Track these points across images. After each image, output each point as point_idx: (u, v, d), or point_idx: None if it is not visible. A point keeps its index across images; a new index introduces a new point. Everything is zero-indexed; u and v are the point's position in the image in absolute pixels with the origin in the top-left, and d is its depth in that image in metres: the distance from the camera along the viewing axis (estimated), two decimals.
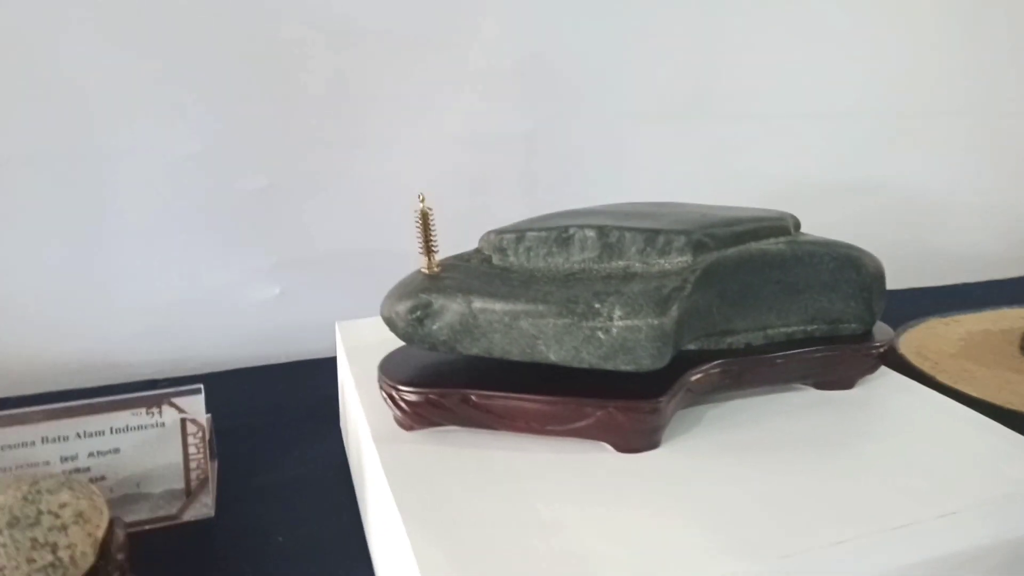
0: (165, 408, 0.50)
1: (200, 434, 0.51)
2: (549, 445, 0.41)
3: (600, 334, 0.38)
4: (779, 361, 0.46)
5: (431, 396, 0.40)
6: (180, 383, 0.74)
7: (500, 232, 0.44)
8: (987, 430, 0.44)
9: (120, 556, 0.39)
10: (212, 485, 0.51)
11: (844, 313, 0.48)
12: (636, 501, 0.36)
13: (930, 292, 1.06)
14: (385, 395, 0.42)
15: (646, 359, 0.38)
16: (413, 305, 0.39)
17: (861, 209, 1.08)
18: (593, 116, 0.90)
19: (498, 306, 0.39)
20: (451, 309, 0.39)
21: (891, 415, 0.45)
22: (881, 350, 0.48)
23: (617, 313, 0.38)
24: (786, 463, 0.39)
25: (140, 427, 0.50)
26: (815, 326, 0.48)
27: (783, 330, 0.47)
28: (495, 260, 0.44)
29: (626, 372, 0.39)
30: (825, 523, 0.34)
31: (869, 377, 0.49)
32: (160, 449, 0.50)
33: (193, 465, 0.50)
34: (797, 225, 0.48)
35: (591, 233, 0.42)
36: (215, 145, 0.75)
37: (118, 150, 0.72)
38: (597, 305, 0.38)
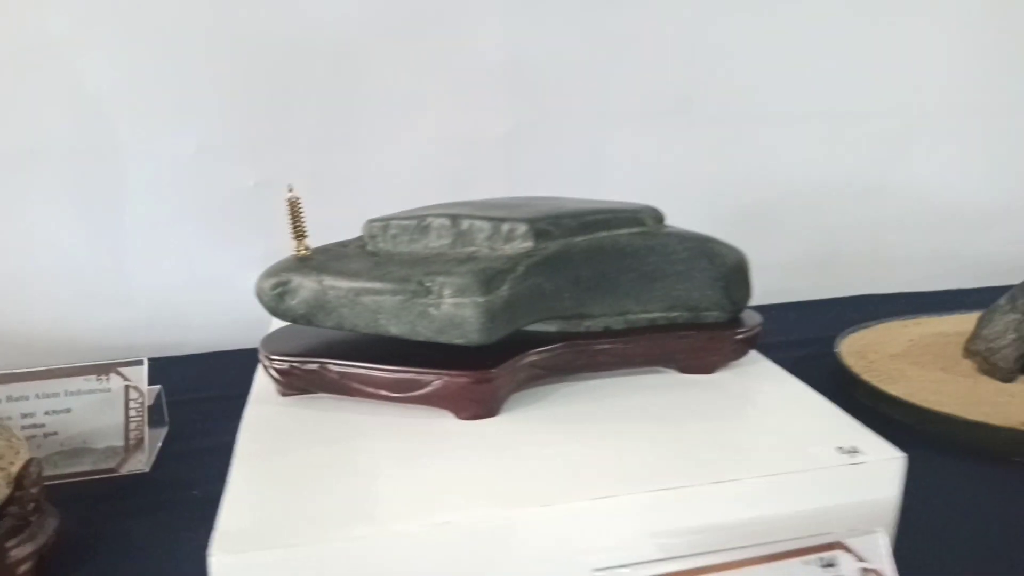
0: (112, 376, 0.58)
1: (140, 400, 0.57)
2: (401, 411, 0.45)
3: (432, 310, 0.42)
4: (631, 344, 0.49)
5: (294, 365, 0.45)
6: (179, 363, 0.83)
7: (371, 221, 0.49)
8: (822, 415, 0.45)
9: (34, 490, 0.45)
10: (147, 445, 0.57)
11: (703, 301, 0.50)
12: (448, 457, 0.40)
13: (933, 296, 1.04)
14: (262, 365, 0.47)
15: (474, 334, 0.42)
16: (275, 282, 0.45)
17: (857, 211, 1.07)
18: (574, 117, 0.94)
19: (343, 284, 0.44)
20: (306, 286, 0.44)
21: (732, 396, 0.47)
22: (742, 336, 0.50)
23: (447, 291, 0.42)
24: (607, 432, 0.42)
25: (90, 391, 0.57)
26: (677, 313, 0.50)
27: (644, 316, 0.50)
28: (368, 246, 0.49)
29: (471, 347, 0.43)
30: (604, 482, 0.37)
31: (738, 363, 0.51)
32: (105, 411, 0.57)
33: (132, 427, 0.57)
34: (659, 218, 0.51)
35: (445, 222, 0.47)
36: (216, 143, 0.83)
37: (129, 147, 0.81)
38: (428, 284, 0.42)
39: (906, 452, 0.59)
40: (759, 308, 0.98)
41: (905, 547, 0.48)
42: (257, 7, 0.81)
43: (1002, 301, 0.67)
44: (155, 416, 0.62)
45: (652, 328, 0.50)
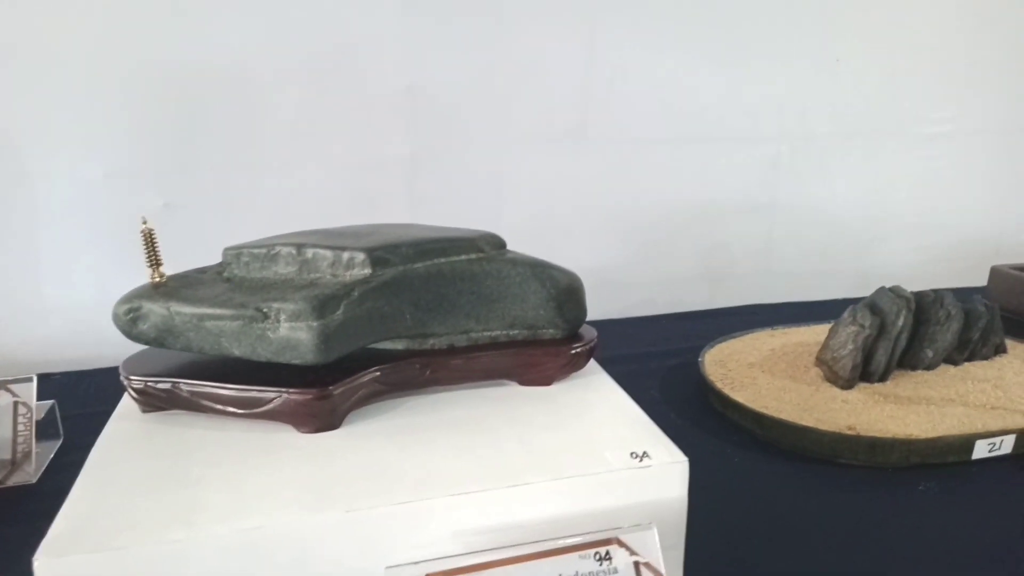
0: (1, 392, 0.60)
1: (28, 415, 0.60)
2: (249, 425, 0.48)
3: (269, 334, 0.46)
4: (473, 359, 0.52)
5: (149, 384, 0.48)
6: (96, 376, 0.84)
7: (227, 248, 0.52)
8: (630, 423, 0.49)
9: None
10: (34, 457, 0.60)
11: (539, 320, 0.54)
12: (278, 468, 0.43)
13: (818, 305, 1.09)
14: (123, 383, 0.50)
15: (310, 355, 0.45)
16: (127, 308, 0.48)
17: (748, 228, 1.12)
18: (474, 141, 0.98)
19: (188, 309, 0.46)
20: (155, 312, 0.47)
21: (558, 406, 0.51)
22: (576, 351, 0.54)
23: (283, 316, 0.45)
24: (433, 441, 0.46)
25: None
26: (516, 331, 0.54)
27: (486, 333, 0.54)
28: (225, 273, 0.52)
29: (313, 365, 0.46)
30: (408, 488, 0.41)
31: (577, 375, 0.55)
32: None
33: (20, 440, 0.59)
34: (498, 244, 0.55)
35: (292, 250, 0.50)
36: (124, 168, 0.85)
37: (41, 173, 0.83)
38: (265, 309, 0.46)
39: (745, 454, 0.64)
40: (655, 319, 1.03)
41: (724, 541, 0.53)
42: (163, 36, 0.84)
43: (846, 314, 0.72)
44: (49, 429, 0.65)
45: (493, 345, 0.53)
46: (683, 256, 1.10)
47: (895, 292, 0.72)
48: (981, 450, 0.60)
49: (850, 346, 0.69)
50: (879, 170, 1.14)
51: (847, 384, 0.68)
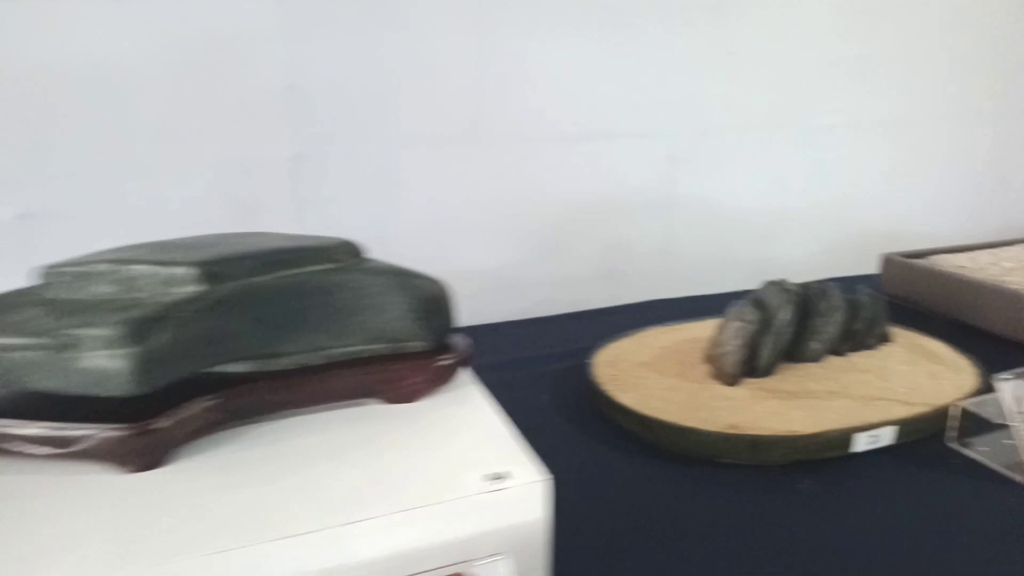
0: None
1: None
2: (69, 468, 0.42)
3: (81, 363, 0.40)
4: (330, 378, 0.48)
5: None
6: None
7: (49, 266, 0.46)
8: (492, 441, 0.45)
9: None
10: None
11: (401, 332, 0.50)
12: (83, 513, 0.38)
13: (719, 298, 1.09)
14: None
15: (127, 385, 0.40)
16: None
17: (647, 223, 1.10)
18: (363, 141, 0.93)
19: None
20: None
21: (420, 426, 0.47)
22: (445, 363, 0.50)
23: (95, 344, 0.40)
24: (274, 475, 0.41)
25: None
26: (378, 345, 0.50)
27: (344, 349, 0.49)
28: (46, 293, 0.46)
29: (137, 396, 0.41)
30: (227, 531, 0.36)
31: (449, 388, 0.52)
32: None
33: None
34: (354, 252, 0.50)
35: (112, 268, 0.44)
36: None
37: None
38: (73, 336, 0.40)
39: (631, 459, 0.61)
40: (554, 319, 1.01)
41: (598, 554, 0.50)
42: (21, 37, 0.76)
43: (731, 309, 0.71)
44: None
45: (352, 361, 0.49)
46: (582, 254, 1.08)
47: (780, 285, 0.71)
48: (861, 443, 0.60)
49: (735, 342, 0.67)
50: (775, 162, 1.14)
51: (733, 381, 0.67)
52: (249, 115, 0.87)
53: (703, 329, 0.82)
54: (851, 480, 0.58)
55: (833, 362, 0.72)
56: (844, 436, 0.59)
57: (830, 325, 0.71)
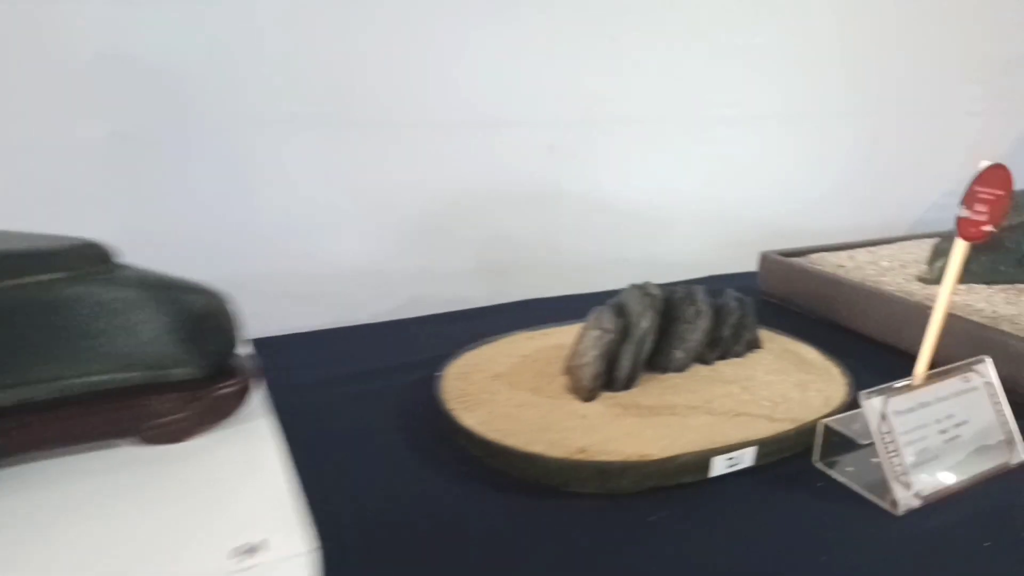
0: None
1: None
2: None
3: None
4: (65, 417, 0.38)
5: None
6: None
7: None
8: (265, 500, 0.37)
9: None
10: None
11: (164, 357, 0.41)
12: None
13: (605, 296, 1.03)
14: None
15: None
16: None
17: (532, 217, 1.03)
18: (203, 121, 0.81)
19: None
20: None
21: (180, 477, 0.38)
22: (222, 393, 0.41)
23: None
24: None
25: None
26: (131, 373, 0.40)
27: (85, 380, 0.40)
28: None
29: None
30: None
31: (230, 424, 0.43)
32: None
33: None
34: (101, 258, 0.41)
35: None
36: None
37: None
38: None
39: (470, 488, 0.54)
40: (425, 320, 0.92)
41: None
42: None
43: (592, 315, 0.64)
44: None
45: (96, 394, 0.40)
46: (460, 248, 1.00)
47: (643, 290, 0.65)
48: (719, 467, 0.54)
49: (592, 352, 0.61)
50: (665, 155, 1.09)
51: (589, 395, 0.61)
52: (61, 89, 0.74)
53: (570, 334, 0.75)
54: (708, 507, 0.53)
55: (699, 372, 0.66)
56: (701, 459, 0.53)
57: (695, 332, 0.65)
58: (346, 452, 0.58)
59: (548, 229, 1.05)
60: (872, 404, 0.52)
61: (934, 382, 0.56)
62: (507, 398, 0.61)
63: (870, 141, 1.23)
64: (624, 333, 0.62)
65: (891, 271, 0.91)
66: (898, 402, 0.54)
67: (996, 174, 0.52)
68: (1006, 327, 0.70)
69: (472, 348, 0.72)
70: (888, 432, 0.52)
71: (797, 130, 1.16)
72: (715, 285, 1.07)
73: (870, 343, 0.80)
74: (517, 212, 1.02)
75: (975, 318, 0.72)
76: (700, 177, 1.11)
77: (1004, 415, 0.58)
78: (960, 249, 0.54)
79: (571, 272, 1.07)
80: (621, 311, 0.63)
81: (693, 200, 1.11)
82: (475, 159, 0.97)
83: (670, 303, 0.66)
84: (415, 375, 0.72)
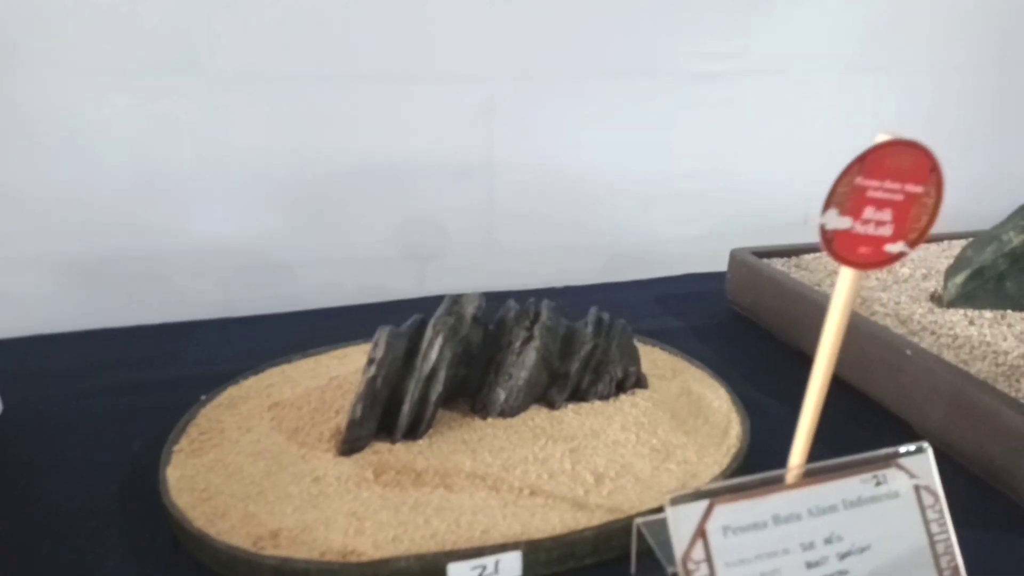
0: None
1: None
2: None
3: None
4: None
5: None
6: None
7: None
8: None
9: None
10: None
11: None
12: None
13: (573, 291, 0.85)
14: None
15: None
16: None
17: (466, 194, 0.86)
18: (31, 71, 0.69)
19: None
20: None
21: None
22: None
23: None
24: None
25: None
26: None
27: None
28: None
29: None
30: None
31: None
32: None
33: None
34: None
35: None
36: None
37: None
38: None
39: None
40: (338, 311, 0.78)
41: None
42: None
43: (376, 337, 0.48)
44: None
45: None
46: (376, 229, 0.85)
47: (460, 304, 0.47)
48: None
49: (360, 388, 0.45)
50: (633, 118, 0.87)
51: (347, 448, 0.45)
52: None
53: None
54: None
55: (532, 418, 0.48)
56: (430, 566, 0.37)
57: (521, 367, 0.47)
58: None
59: (483, 208, 0.87)
60: (678, 514, 0.33)
61: (815, 482, 0.36)
62: (251, 441, 0.47)
63: (930, 99, 0.95)
64: (408, 366, 0.45)
65: (905, 282, 0.68)
66: (733, 512, 0.34)
67: (904, 156, 0.30)
68: None
69: (287, 361, 0.57)
70: (703, 562, 0.33)
71: (809, 89, 0.90)
72: (691, 286, 0.87)
73: (845, 389, 0.56)
74: (445, 186, 0.85)
75: (981, 365, 0.49)
76: (681, 145, 0.89)
77: (944, 539, 0.37)
78: (848, 280, 0.33)
79: (513, 260, 0.89)
80: (413, 335, 0.46)
81: (669, 177, 0.89)
82: (389, 122, 0.81)
83: (502, 324, 0.48)
84: (182, 393, 0.56)
